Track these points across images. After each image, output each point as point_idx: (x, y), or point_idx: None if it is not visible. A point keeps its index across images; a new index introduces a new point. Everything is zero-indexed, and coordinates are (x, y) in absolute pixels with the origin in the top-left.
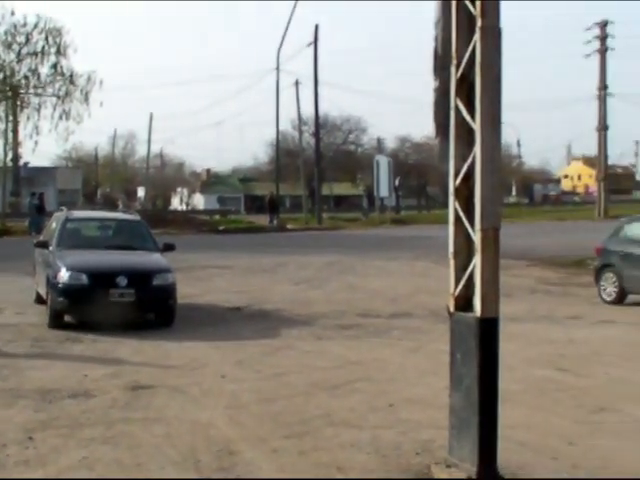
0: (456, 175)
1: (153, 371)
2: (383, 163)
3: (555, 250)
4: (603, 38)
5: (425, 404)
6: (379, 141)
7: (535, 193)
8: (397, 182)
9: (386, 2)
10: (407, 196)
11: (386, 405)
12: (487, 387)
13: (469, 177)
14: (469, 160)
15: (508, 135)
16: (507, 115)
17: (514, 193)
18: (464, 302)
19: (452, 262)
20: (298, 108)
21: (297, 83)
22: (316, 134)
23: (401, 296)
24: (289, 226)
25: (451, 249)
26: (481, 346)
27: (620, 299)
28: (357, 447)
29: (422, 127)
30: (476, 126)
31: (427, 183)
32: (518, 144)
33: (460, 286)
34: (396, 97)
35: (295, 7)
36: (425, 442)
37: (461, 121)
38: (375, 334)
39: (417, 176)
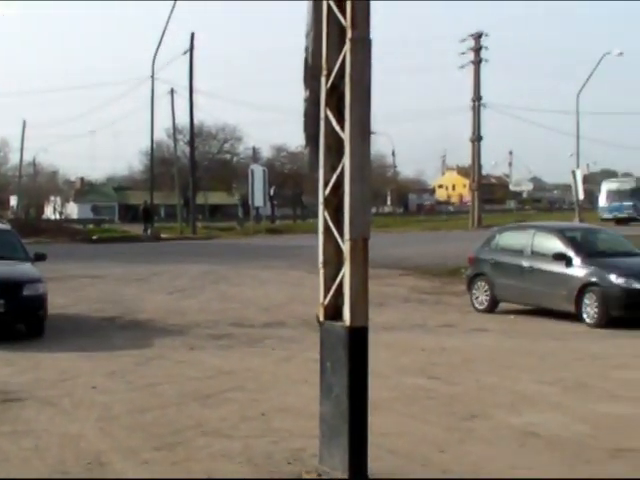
0: (325, 185)
1: (23, 383)
2: (258, 172)
3: (429, 259)
4: (477, 50)
5: (297, 413)
6: (254, 150)
7: (410, 203)
8: (272, 191)
9: (261, 11)
10: (283, 205)
11: (258, 414)
12: (357, 395)
13: (338, 187)
14: (338, 170)
15: (383, 145)
16: (382, 125)
17: (389, 203)
18: (334, 311)
19: (322, 271)
20: (173, 117)
21: (172, 91)
22: (191, 143)
23: (275, 305)
24: (164, 235)
25: (321, 259)
26: (350, 355)
27: (492, 307)
28: (229, 457)
29: (297, 136)
30: (345, 136)
31: (302, 192)
32: (393, 154)
33: (330, 295)
34: (272, 106)
35: (171, 14)
36: (297, 451)
37: (331, 131)
38: (248, 343)
39: (292, 185)
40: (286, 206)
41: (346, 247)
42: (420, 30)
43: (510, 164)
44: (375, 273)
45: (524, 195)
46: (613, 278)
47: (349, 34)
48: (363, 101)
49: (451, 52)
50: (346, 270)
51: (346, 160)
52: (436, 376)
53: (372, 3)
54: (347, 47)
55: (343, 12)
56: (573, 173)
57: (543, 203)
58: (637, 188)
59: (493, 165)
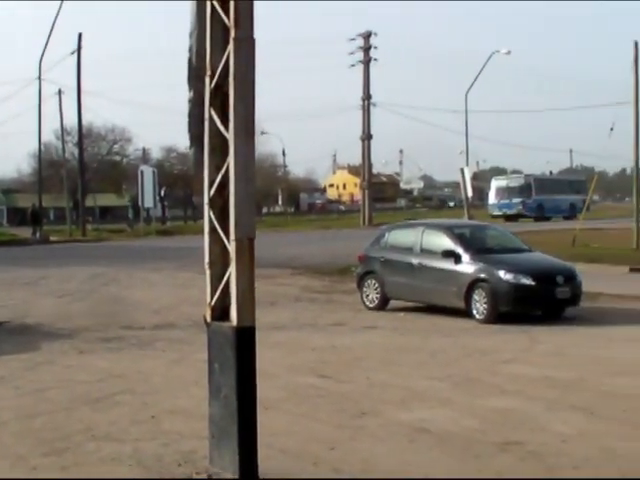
0: (210, 185)
1: None
2: (148, 173)
3: (320, 258)
4: (367, 49)
5: (188, 415)
6: (144, 151)
7: (301, 202)
8: (163, 192)
9: (148, 11)
10: (173, 206)
11: (148, 417)
12: (245, 396)
13: (224, 187)
14: (223, 170)
15: (274, 145)
16: (273, 125)
17: (280, 202)
18: (221, 312)
19: (208, 272)
20: (61, 118)
21: (60, 92)
22: (79, 144)
23: (165, 307)
24: (53, 238)
25: (207, 259)
26: (238, 355)
27: (382, 305)
28: (118, 460)
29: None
30: (230, 136)
31: (193, 193)
32: (284, 153)
33: (216, 296)
34: (161, 107)
35: (58, 14)
36: (187, 453)
37: (215, 131)
38: (138, 346)
39: (183, 186)
40: (177, 207)
41: (232, 247)
42: (311, 29)
43: (401, 162)
44: (266, 273)
45: (415, 193)
46: (502, 274)
47: (232, 33)
48: (247, 101)
49: (342, 51)
50: (232, 270)
51: (231, 160)
52: (327, 374)
53: (256, 2)
54: (231, 47)
55: (226, 11)
56: (461, 171)
57: (434, 201)
58: (526, 185)
59: (384, 164)
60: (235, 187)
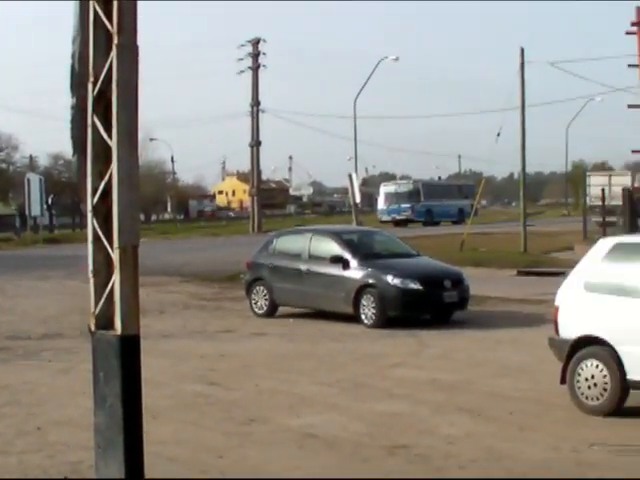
0: (94, 193)
1: None
2: (35, 181)
3: (209, 265)
4: (255, 55)
5: (74, 425)
6: (31, 159)
7: (190, 209)
8: (50, 200)
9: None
10: (62, 214)
11: (34, 428)
12: (131, 404)
13: (107, 195)
14: (106, 177)
15: (162, 151)
16: (161, 132)
17: (169, 209)
18: (105, 320)
19: (92, 281)
20: None
21: None
22: None
23: (52, 317)
24: None
25: (91, 267)
26: (123, 364)
27: (271, 312)
28: (3, 473)
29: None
30: (113, 143)
31: (80, 201)
32: (172, 160)
33: (100, 304)
34: (48, 114)
35: None
36: (74, 464)
37: (98, 138)
38: (24, 357)
39: (71, 194)
40: (65, 215)
41: (115, 255)
42: (199, 35)
43: (290, 169)
44: (155, 281)
45: (304, 199)
46: (389, 279)
47: (115, 40)
48: (130, 108)
49: (231, 57)
50: (116, 278)
51: (114, 167)
52: (215, 382)
53: (142, 8)
54: (114, 53)
55: (110, 17)
56: (350, 177)
57: (323, 207)
58: (414, 190)
59: (273, 170)
60: (118, 195)
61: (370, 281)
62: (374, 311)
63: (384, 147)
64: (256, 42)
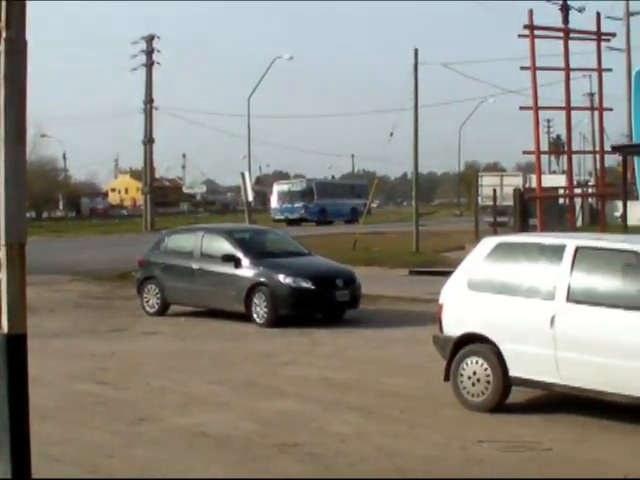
0: None
1: None
2: None
3: (101, 264)
4: (150, 52)
5: None
6: None
7: (83, 207)
8: None
9: None
10: None
11: None
12: (17, 405)
13: None
14: None
15: (55, 148)
16: (55, 129)
17: (61, 207)
18: None
19: None
20: None
21: None
22: None
23: None
24: None
25: None
26: (9, 364)
27: (163, 310)
28: None
29: None
30: (0, 140)
31: None
32: (64, 157)
33: None
34: None
35: None
36: None
37: None
38: None
39: None
40: None
41: (2, 253)
42: (93, 31)
43: (184, 167)
44: (45, 279)
45: (198, 198)
46: (281, 278)
47: (3, 34)
48: (18, 104)
49: (124, 54)
50: (2, 277)
51: (0, 165)
52: (106, 381)
53: (30, 3)
54: (2, 48)
55: None
56: (242, 175)
57: (217, 205)
58: (308, 189)
59: (166, 168)
60: (5, 192)
61: (262, 280)
62: (266, 310)
63: (278, 146)
64: (150, 39)
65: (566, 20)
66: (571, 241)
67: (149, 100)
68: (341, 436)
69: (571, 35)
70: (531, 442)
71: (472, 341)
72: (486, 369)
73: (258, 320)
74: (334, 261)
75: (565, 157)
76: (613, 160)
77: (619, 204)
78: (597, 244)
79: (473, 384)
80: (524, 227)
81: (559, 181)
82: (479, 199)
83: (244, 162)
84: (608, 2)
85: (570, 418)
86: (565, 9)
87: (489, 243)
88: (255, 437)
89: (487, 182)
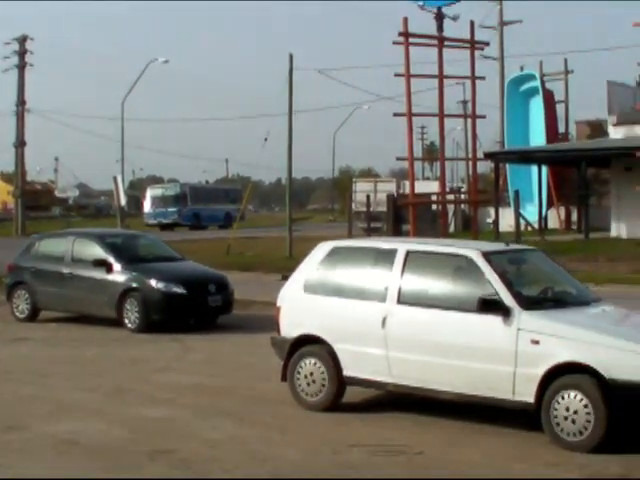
0: None
1: None
2: None
3: None
4: (22, 53)
5: None
6: None
7: None
8: None
9: None
10: None
11: None
12: None
13: None
14: None
15: None
16: None
17: None
18: None
19: None
20: None
21: None
22: None
23: None
24: None
25: None
26: None
27: (33, 316)
28: None
29: None
30: None
31: None
32: None
33: None
34: None
35: None
36: None
37: None
38: None
39: None
40: None
41: None
42: None
43: (56, 170)
44: None
45: (71, 202)
46: (153, 283)
47: None
48: None
49: None
50: None
51: None
52: None
53: None
54: None
55: None
56: (114, 179)
57: (90, 209)
58: (181, 194)
59: (38, 171)
60: None
61: (134, 285)
62: (138, 315)
63: (153, 150)
64: (23, 40)
65: (440, 28)
66: (402, 245)
67: (21, 102)
68: (213, 442)
69: (445, 43)
70: (402, 446)
71: (308, 342)
72: (321, 369)
73: (130, 326)
74: (207, 266)
75: (438, 163)
76: (486, 167)
77: (491, 210)
78: (428, 248)
79: (309, 384)
80: (397, 232)
81: (432, 187)
82: (353, 205)
83: (118, 166)
84: (482, 11)
85: (439, 421)
86: (440, 17)
87: (324, 247)
88: (126, 444)
89: (361, 188)
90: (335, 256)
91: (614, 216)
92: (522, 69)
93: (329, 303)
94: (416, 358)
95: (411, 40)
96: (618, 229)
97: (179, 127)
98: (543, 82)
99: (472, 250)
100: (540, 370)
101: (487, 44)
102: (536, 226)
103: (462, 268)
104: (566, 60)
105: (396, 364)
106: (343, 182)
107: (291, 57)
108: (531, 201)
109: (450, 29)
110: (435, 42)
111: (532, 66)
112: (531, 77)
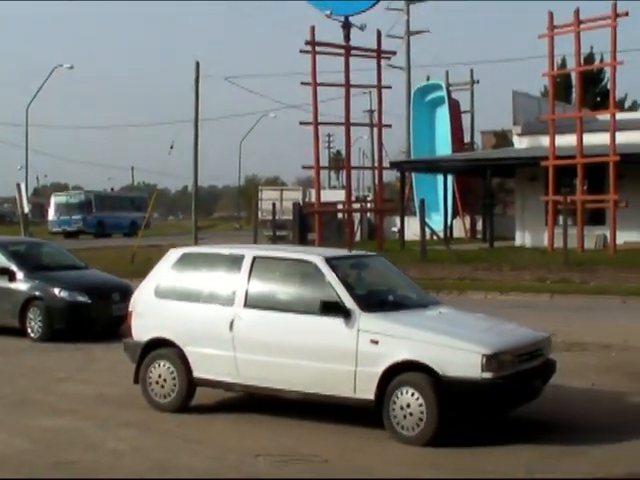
0: None
1: None
2: None
3: None
4: None
5: None
6: None
7: None
8: None
9: None
10: None
11: None
12: None
13: None
14: None
15: None
16: None
17: None
18: None
19: None
20: None
21: None
22: None
23: None
24: None
25: None
26: None
27: None
28: None
29: None
30: None
31: None
32: None
33: None
34: None
35: None
36: None
37: None
38: None
39: None
40: None
41: None
42: None
43: None
44: None
45: None
46: (57, 292)
47: None
48: None
49: None
50: None
51: None
52: None
53: None
54: None
55: None
56: (17, 186)
57: None
58: (86, 201)
59: None
60: None
61: (37, 294)
62: (41, 324)
63: (57, 157)
64: None
65: (348, 37)
66: (249, 251)
67: None
68: (117, 452)
69: (352, 52)
70: (307, 455)
71: (159, 346)
72: (172, 372)
73: (33, 335)
74: (111, 275)
75: (345, 172)
76: (392, 176)
77: (397, 219)
78: (274, 254)
79: (162, 386)
80: (303, 241)
81: (339, 196)
82: (259, 213)
83: (21, 173)
84: (390, 21)
85: (343, 429)
86: (347, 26)
87: (175, 253)
88: (29, 456)
89: (267, 196)
90: (185, 262)
91: (519, 225)
92: (428, 79)
93: (179, 307)
94: (263, 359)
95: (318, 49)
96: (522, 238)
97: (84, 134)
98: (449, 92)
99: (316, 256)
100: (379, 369)
101: (394, 53)
102: (442, 235)
103: (307, 273)
104: (472, 70)
105: (243, 365)
106: (249, 190)
107: (197, 65)
108: (437, 210)
109: (358, 38)
110: (342, 51)
111: (439, 76)
112: (437, 87)
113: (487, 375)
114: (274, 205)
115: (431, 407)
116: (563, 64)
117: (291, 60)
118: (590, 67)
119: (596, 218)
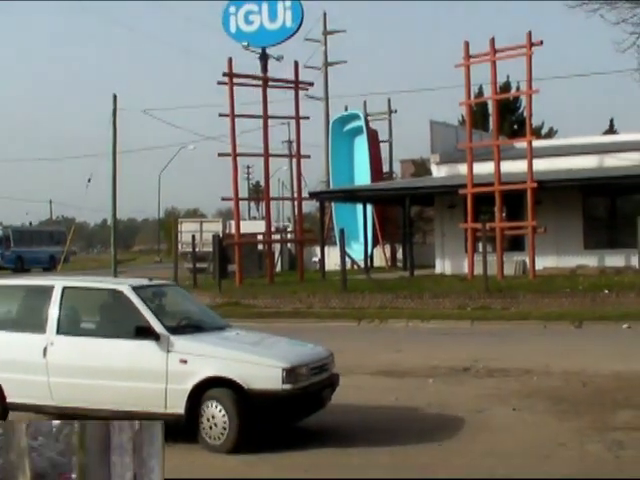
0: None
1: None
2: None
3: None
4: None
5: None
6: None
7: None
8: None
9: None
10: None
11: None
12: None
13: None
14: None
15: None
16: None
17: None
18: None
19: None
20: None
21: None
22: None
23: None
24: None
25: None
26: None
27: None
28: None
29: None
30: None
31: None
32: None
33: None
34: None
35: None
36: None
37: None
38: None
39: None
40: None
41: None
42: None
43: None
44: None
45: None
46: None
47: None
48: None
49: None
50: None
51: None
52: None
53: None
54: None
55: None
56: None
57: None
58: (4, 236)
59: None
60: None
61: None
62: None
63: None
64: None
65: (265, 68)
66: (59, 282)
67: None
68: None
69: (270, 83)
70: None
71: None
72: None
73: None
74: None
75: (264, 203)
76: (312, 206)
77: (317, 249)
78: (82, 284)
79: None
80: (223, 273)
81: (259, 227)
82: (179, 245)
83: None
84: (307, 51)
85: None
86: (264, 57)
87: None
88: None
89: (187, 228)
90: None
91: (438, 253)
92: (347, 109)
93: None
94: (76, 382)
95: (236, 80)
96: (442, 265)
97: (1, 168)
98: (367, 121)
99: (123, 285)
100: (188, 385)
101: (311, 84)
102: (362, 264)
103: (116, 300)
104: (389, 100)
105: (57, 389)
106: (169, 223)
107: (115, 97)
108: (357, 239)
109: (276, 69)
110: (260, 82)
111: (357, 106)
112: (355, 117)
113: (287, 387)
114: (193, 237)
115: (232, 418)
116: (480, 92)
117: (210, 92)
118: (506, 95)
119: (515, 244)
